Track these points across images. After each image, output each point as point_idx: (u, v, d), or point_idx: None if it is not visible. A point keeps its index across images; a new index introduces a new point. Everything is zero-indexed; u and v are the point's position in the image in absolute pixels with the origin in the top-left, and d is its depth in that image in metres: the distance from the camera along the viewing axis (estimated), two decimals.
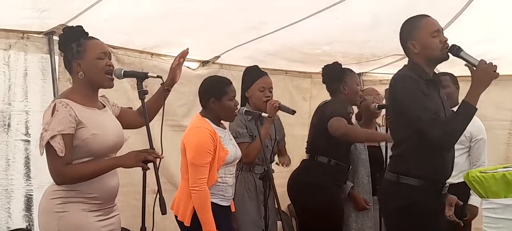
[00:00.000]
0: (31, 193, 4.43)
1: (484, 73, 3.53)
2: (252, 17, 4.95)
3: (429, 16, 3.76)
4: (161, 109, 3.33)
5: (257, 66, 4.79)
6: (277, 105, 4.51)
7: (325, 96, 5.21)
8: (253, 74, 4.72)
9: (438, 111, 3.63)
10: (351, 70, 5.03)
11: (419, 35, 3.70)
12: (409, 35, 3.74)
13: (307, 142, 5.05)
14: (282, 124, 4.96)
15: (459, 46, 3.65)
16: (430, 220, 3.71)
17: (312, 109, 6.54)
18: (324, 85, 5.06)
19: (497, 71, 3.54)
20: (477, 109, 3.55)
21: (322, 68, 4.98)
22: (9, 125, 4.39)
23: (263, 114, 4.20)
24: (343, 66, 4.98)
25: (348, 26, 5.32)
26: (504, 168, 3.27)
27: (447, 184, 3.81)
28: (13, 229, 4.35)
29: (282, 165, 4.94)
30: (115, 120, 3.39)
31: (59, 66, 4.49)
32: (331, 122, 4.65)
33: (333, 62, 4.95)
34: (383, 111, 5.32)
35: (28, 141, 4.42)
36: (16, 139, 4.42)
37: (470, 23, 4.20)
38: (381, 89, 5.97)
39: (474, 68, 3.57)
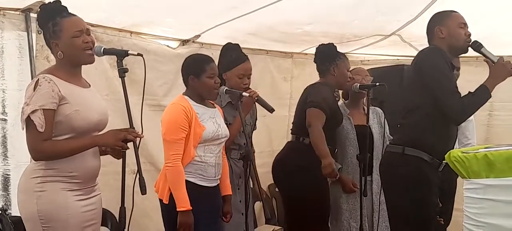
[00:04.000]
0: (8, 173, 4.36)
1: (502, 69, 3.87)
2: None
3: (458, 12, 4.04)
4: (141, 88, 3.29)
5: (238, 45, 4.57)
6: (256, 97, 4.34)
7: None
8: (233, 57, 4.48)
9: None
10: (345, 55, 5.00)
11: (448, 23, 4.00)
12: (438, 21, 4.03)
13: (292, 122, 5.02)
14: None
15: (480, 43, 3.97)
16: (430, 193, 3.99)
17: (293, 89, 6.55)
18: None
19: None
20: (491, 96, 3.88)
21: (317, 47, 4.93)
22: None
23: (244, 94, 4.15)
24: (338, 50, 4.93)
25: (330, 6, 5.28)
26: (485, 148, 3.28)
27: (444, 163, 3.87)
28: None
29: None
30: (99, 98, 3.35)
31: (36, 44, 4.40)
32: (309, 111, 4.65)
33: (329, 43, 4.92)
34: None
35: (5, 119, 4.34)
36: None
37: (453, 4, 4.21)
38: None
39: (493, 64, 3.89)
